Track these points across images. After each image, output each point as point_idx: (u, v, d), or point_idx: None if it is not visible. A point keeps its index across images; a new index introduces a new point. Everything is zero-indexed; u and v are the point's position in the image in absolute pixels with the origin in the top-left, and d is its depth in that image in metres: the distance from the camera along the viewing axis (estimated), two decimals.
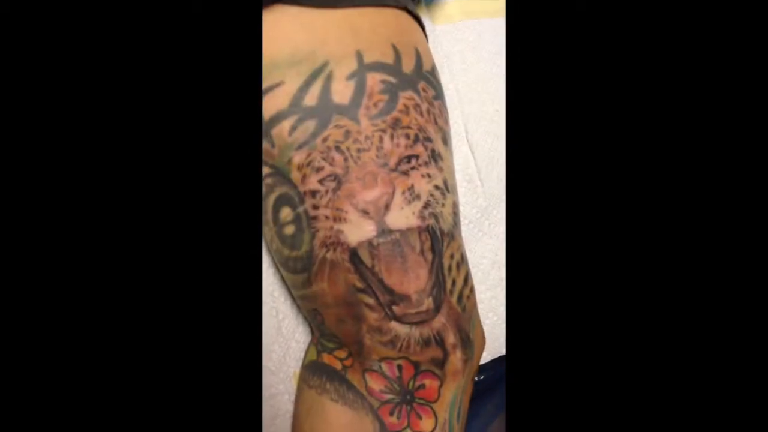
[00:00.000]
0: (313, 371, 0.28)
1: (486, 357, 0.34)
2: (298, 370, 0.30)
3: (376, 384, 0.26)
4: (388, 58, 0.27)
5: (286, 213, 0.26)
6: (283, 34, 0.26)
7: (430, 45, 0.33)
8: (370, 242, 0.25)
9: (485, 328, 0.30)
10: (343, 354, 0.27)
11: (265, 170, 0.26)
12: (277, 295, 0.31)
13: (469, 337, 0.27)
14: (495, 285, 0.36)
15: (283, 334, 0.30)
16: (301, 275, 0.27)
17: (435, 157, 0.27)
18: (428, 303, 0.25)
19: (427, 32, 0.33)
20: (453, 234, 0.27)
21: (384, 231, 0.25)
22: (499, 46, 0.39)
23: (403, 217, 0.25)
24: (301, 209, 0.26)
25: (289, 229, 0.26)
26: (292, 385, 0.30)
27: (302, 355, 0.31)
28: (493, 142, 0.37)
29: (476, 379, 0.32)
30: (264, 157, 0.26)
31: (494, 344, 0.35)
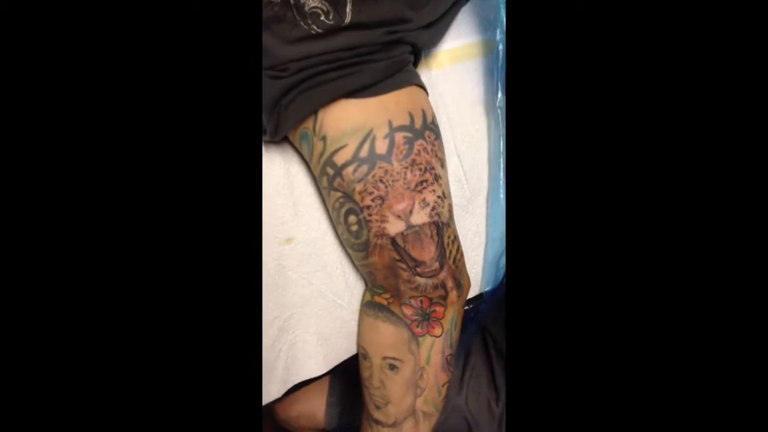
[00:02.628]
0: (370, 306, 0.48)
1: (470, 294, 0.54)
2: (359, 307, 0.50)
3: (408, 311, 0.46)
4: (406, 121, 0.44)
5: (352, 219, 0.44)
6: (346, 116, 0.43)
7: (428, 85, 0.49)
8: (402, 233, 0.43)
9: (470, 276, 0.50)
10: (387, 296, 0.47)
11: (338, 195, 0.44)
12: (344, 264, 0.50)
13: (461, 282, 0.46)
14: (476, 247, 0.55)
15: (349, 286, 0.50)
16: (362, 253, 0.45)
17: (436, 178, 0.45)
18: (436, 265, 0.44)
19: (425, 76, 0.49)
20: (449, 224, 0.46)
21: (410, 226, 0.43)
22: (476, 81, 0.56)
23: (420, 217, 0.44)
24: (361, 216, 0.44)
25: (354, 228, 0.45)
26: (356, 316, 0.50)
27: (360, 298, 0.50)
28: (474, 153, 0.55)
29: (465, 307, 0.52)
30: (337, 187, 0.44)
31: (474, 288, 0.54)
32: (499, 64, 0.54)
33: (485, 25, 0.56)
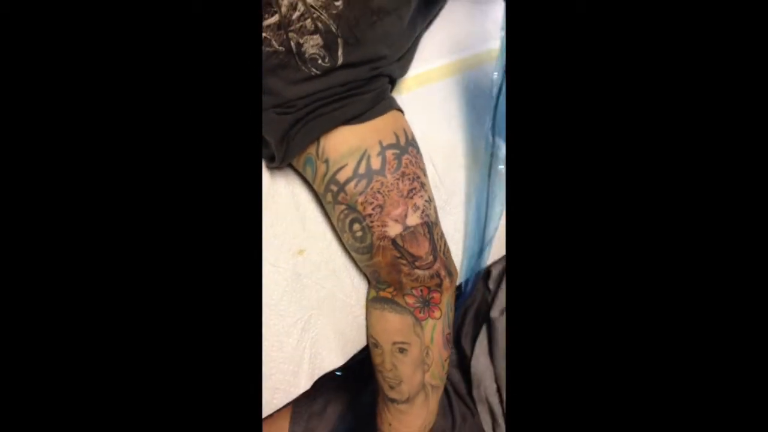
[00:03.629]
0: (376, 301, 0.55)
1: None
2: (365, 303, 0.57)
3: (410, 300, 0.53)
4: (393, 140, 0.52)
5: (356, 227, 0.52)
6: (344, 140, 0.50)
7: (403, 107, 0.58)
8: (400, 234, 0.51)
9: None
10: (390, 290, 0.54)
11: (342, 207, 0.52)
12: (350, 268, 0.57)
13: (451, 271, 0.55)
14: (456, 242, 0.64)
15: (355, 287, 0.57)
16: (367, 255, 0.53)
17: (422, 185, 0.54)
18: (430, 258, 0.52)
19: (398, 100, 0.58)
20: (436, 223, 0.54)
21: (406, 227, 0.51)
22: (442, 100, 0.65)
23: (413, 219, 0.52)
24: (364, 223, 0.51)
25: (359, 234, 0.52)
26: (364, 312, 0.57)
27: (365, 296, 0.58)
28: (447, 160, 0.64)
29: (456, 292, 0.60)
30: (341, 200, 0.52)
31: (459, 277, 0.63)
32: (465, 83, 0.64)
33: (441, 53, 0.66)
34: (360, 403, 0.72)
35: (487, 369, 0.66)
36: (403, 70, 0.61)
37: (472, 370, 0.67)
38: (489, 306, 0.69)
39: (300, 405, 0.72)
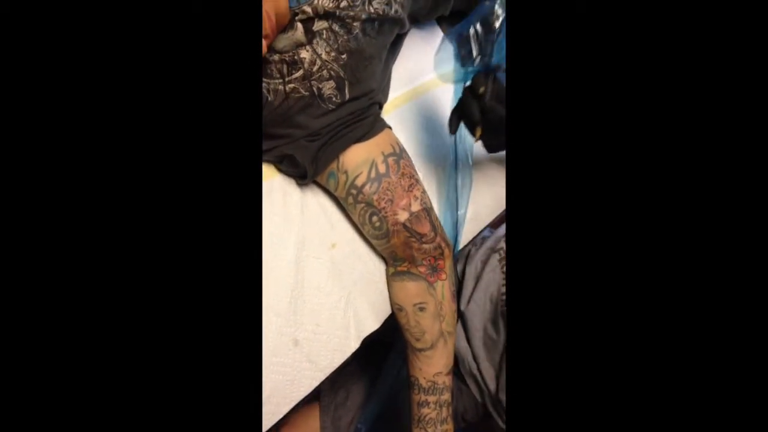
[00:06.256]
0: (395, 275, 0.71)
1: None
2: (385, 278, 0.73)
3: (422, 269, 0.70)
4: (391, 150, 0.69)
5: (375, 219, 0.68)
6: (357, 155, 0.67)
7: None
8: (408, 219, 0.68)
9: None
10: (406, 264, 0.70)
11: (362, 206, 0.67)
12: (371, 253, 0.73)
13: (448, 242, 0.72)
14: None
15: (378, 267, 0.73)
16: (385, 239, 0.69)
17: (417, 181, 0.70)
18: (432, 234, 0.69)
19: None
20: (431, 207, 0.71)
21: (412, 213, 0.68)
22: (408, 121, 0.83)
23: (416, 206, 0.68)
24: (380, 215, 0.68)
25: (377, 224, 0.68)
26: (385, 286, 0.73)
27: (384, 273, 0.73)
28: (422, 163, 0.81)
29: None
30: (360, 200, 0.67)
31: None
32: (423, 102, 0.82)
33: (404, 82, 0.84)
34: (376, 392, 0.85)
35: (467, 351, 0.80)
36: (386, 97, 0.78)
37: (455, 350, 0.75)
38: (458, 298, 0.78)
39: (326, 398, 0.85)
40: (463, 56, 0.57)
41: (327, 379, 0.74)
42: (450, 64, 0.59)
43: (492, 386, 0.77)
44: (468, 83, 0.59)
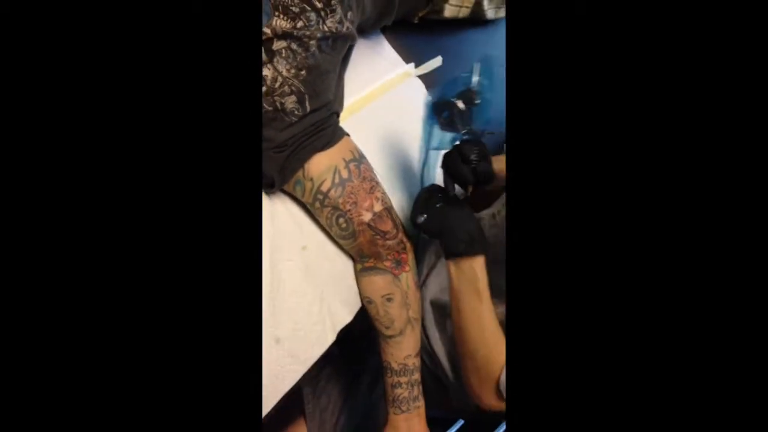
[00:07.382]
0: (363, 271, 0.77)
1: None
2: (354, 274, 0.79)
3: (387, 264, 0.76)
4: (351, 156, 0.74)
5: (341, 221, 0.73)
6: (320, 162, 0.71)
7: None
8: (372, 219, 0.74)
9: None
10: (372, 261, 0.76)
11: (328, 209, 0.72)
12: (339, 253, 0.78)
13: (409, 237, 0.79)
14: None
15: (346, 265, 0.78)
16: (351, 239, 0.74)
17: (377, 183, 0.76)
18: (395, 231, 0.75)
19: None
20: (392, 207, 0.78)
21: (375, 213, 0.74)
22: (365, 125, 0.89)
23: (378, 206, 0.74)
24: (346, 217, 0.73)
25: (344, 225, 0.73)
26: (354, 282, 0.79)
27: (352, 270, 0.79)
28: (381, 164, 0.87)
29: None
30: (326, 204, 0.72)
31: None
32: (376, 109, 0.88)
33: (357, 88, 0.90)
34: (351, 395, 0.92)
35: (440, 348, 0.86)
36: (342, 105, 0.84)
37: (434, 348, 0.84)
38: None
39: (309, 404, 0.90)
40: (442, 123, 0.64)
41: (309, 387, 0.80)
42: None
43: (442, 356, 0.83)
44: (455, 149, 0.65)
